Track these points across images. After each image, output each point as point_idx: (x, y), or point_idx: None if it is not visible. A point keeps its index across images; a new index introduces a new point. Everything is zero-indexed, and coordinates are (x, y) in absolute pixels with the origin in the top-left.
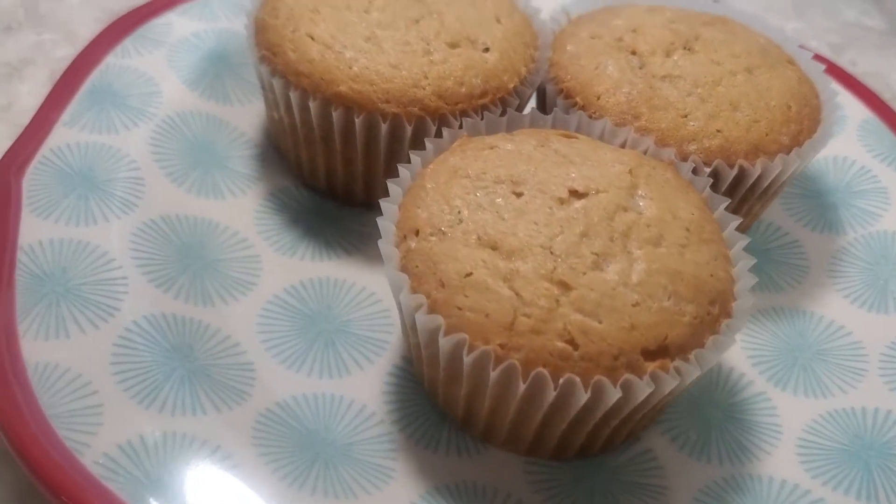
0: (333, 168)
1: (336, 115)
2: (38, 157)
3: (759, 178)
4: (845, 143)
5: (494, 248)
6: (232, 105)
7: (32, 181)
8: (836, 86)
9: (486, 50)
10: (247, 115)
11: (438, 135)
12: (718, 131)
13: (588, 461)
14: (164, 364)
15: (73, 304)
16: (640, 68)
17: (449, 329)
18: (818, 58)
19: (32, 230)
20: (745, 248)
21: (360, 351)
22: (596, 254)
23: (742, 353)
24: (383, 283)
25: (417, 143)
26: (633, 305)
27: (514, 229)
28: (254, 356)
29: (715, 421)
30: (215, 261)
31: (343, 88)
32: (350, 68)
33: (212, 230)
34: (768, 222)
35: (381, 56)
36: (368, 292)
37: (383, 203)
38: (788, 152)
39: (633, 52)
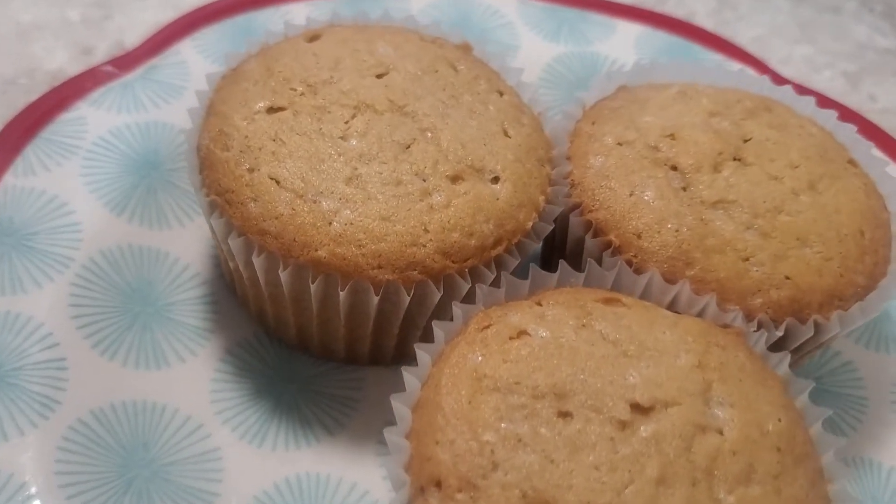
0: (307, 326)
1: (314, 287)
2: None
3: (837, 333)
4: None
5: None
6: (170, 227)
7: None
8: None
9: (496, 179)
10: (190, 239)
11: (445, 301)
12: (787, 278)
13: None
14: None
15: None
16: (685, 190)
17: None
18: (885, 141)
19: None
20: None
21: None
22: None
23: None
24: (375, 475)
25: (416, 307)
26: None
27: (570, 479)
28: None
29: None
30: (165, 467)
31: (322, 253)
32: (329, 225)
33: (157, 419)
34: None
35: (368, 205)
36: (360, 491)
37: (388, 436)
38: (864, 296)
39: (674, 168)
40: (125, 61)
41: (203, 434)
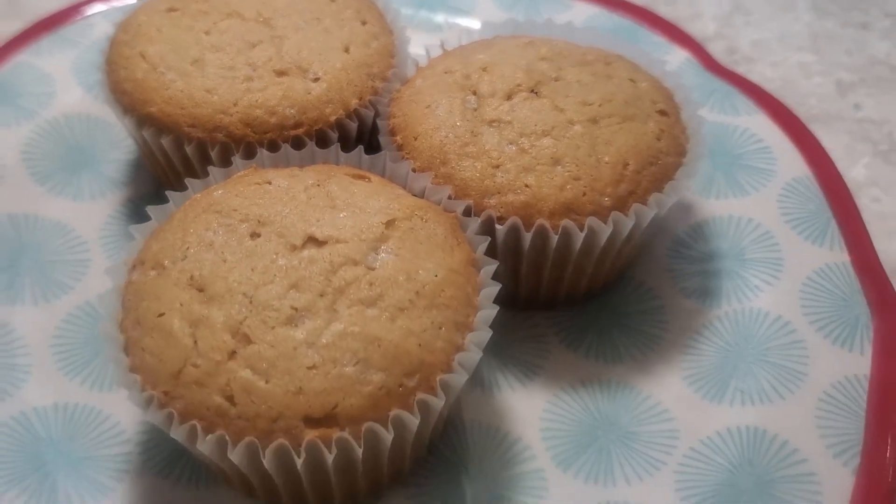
0: (167, 179)
1: (147, 134)
2: None
3: (567, 243)
4: (758, 204)
5: (201, 290)
6: None
7: None
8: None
9: (316, 80)
10: None
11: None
12: (527, 186)
13: None
14: None
15: None
16: (475, 111)
17: (132, 368)
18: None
19: None
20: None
21: None
22: (295, 308)
23: (536, 426)
24: None
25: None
26: (309, 368)
27: (228, 273)
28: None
29: None
30: (47, 262)
31: (153, 110)
32: (166, 90)
33: (57, 231)
34: (643, 282)
35: (199, 80)
36: None
37: (134, 231)
38: (606, 216)
39: (475, 93)
40: None
41: (84, 249)
